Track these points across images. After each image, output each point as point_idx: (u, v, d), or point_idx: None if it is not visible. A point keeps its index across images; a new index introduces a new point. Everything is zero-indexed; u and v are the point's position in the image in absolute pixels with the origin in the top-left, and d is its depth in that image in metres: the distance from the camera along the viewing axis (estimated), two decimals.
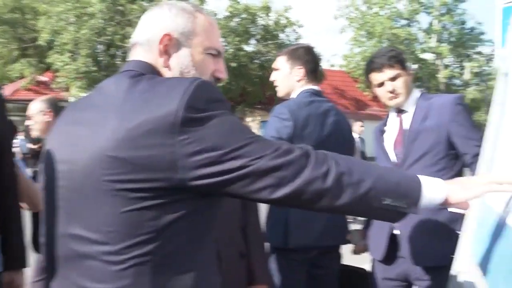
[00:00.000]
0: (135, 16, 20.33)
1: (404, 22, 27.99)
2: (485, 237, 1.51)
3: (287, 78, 2.48)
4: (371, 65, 2.40)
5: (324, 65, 25.49)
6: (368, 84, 2.52)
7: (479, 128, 2.21)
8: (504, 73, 1.63)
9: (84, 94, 20.80)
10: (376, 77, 2.38)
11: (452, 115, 2.23)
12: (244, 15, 22.89)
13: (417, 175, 1.16)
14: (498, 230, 1.34)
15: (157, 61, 1.24)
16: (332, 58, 42.11)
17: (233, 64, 21.80)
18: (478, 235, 1.63)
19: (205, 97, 1.08)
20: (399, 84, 2.34)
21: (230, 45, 21.91)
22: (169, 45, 1.23)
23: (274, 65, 2.55)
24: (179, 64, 1.24)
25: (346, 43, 28.51)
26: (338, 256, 2.55)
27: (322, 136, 2.36)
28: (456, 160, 2.26)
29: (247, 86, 22.10)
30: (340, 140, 2.45)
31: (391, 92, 2.34)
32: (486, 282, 1.36)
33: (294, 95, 2.46)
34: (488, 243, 1.46)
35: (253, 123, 23.98)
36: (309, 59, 2.47)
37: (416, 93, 2.41)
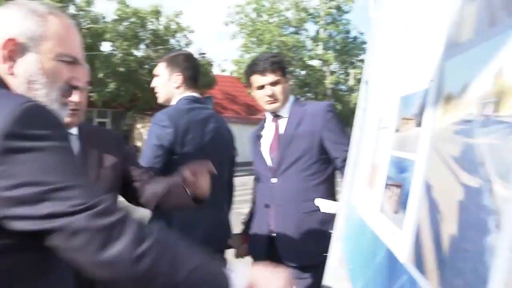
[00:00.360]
0: None
1: (292, 29, 29.10)
2: (351, 234, 1.63)
3: (166, 84, 2.46)
4: (254, 67, 2.46)
5: (215, 70, 25.62)
6: (249, 85, 2.58)
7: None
8: (365, 81, 1.76)
9: None
10: (257, 80, 2.44)
11: (324, 121, 2.36)
12: (133, 19, 22.28)
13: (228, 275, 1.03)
14: (359, 227, 1.44)
15: (1, 68, 1.11)
16: (223, 64, 42.45)
17: (122, 69, 21.15)
18: (345, 233, 1.74)
19: (32, 124, 0.94)
20: (279, 90, 2.42)
21: (118, 50, 21.26)
22: (14, 51, 1.11)
23: (154, 71, 2.53)
24: (26, 71, 1.12)
25: (237, 49, 28.90)
26: (223, 261, 2.56)
27: (202, 143, 2.37)
28: (328, 164, 2.38)
29: (137, 91, 21.54)
30: (220, 147, 2.47)
31: (270, 96, 2.41)
32: (349, 275, 1.46)
33: (174, 101, 2.45)
34: (352, 240, 1.57)
35: (144, 129, 23.49)
36: (187, 66, 2.47)
37: (291, 99, 2.51)
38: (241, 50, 29.11)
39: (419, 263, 0.83)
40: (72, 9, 21.06)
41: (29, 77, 1.12)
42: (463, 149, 0.71)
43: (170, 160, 2.28)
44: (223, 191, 2.52)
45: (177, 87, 2.45)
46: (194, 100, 2.45)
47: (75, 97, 1.67)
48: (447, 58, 0.87)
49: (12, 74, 1.11)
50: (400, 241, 0.95)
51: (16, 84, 1.11)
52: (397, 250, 0.97)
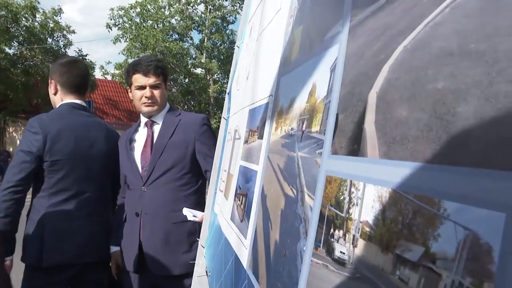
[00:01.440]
0: None
1: (177, 37, 28.93)
2: (211, 242, 1.66)
3: (50, 91, 2.43)
4: (137, 67, 2.39)
5: (97, 74, 24.64)
6: (128, 85, 2.49)
7: None
8: (228, 92, 1.81)
9: None
10: (139, 80, 2.38)
11: (197, 134, 2.35)
12: (3, 12, 20.71)
13: None
14: (217, 235, 1.48)
15: None
16: (106, 67, 41.06)
17: None
18: (208, 240, 1.77)
19: None
20: (158, 94, 2.38)
21: None
22: None
23: None
24: None
25: (120, 53, 28.01)
26: (105, 269, 2.47)
27: (77, 151, 2.29)
28: (199, 176, 2.38)
29: (9, 92, 20.03)
30: (98, 156, 2.40)
31: (149, 98, 2.37)
32: (208, 280, 1.49)
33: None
34: (212, 247, 1.60)
35: (16, 133, 21.89)
36: (63, 72, 2.40)
37: (167, 107, 2.49)
38: (124, 54, 28.32)
39: (255, 268, 0.87)
40: None
41: None
42: (286, 161, 0.77)
43: (39, 167, 2.21)
44: (101, 202, 2.45)
45: (54, 94, 2.42)
46: (75, 106, 2.39)
47: None
48: (282, 74, 0.93)
49: None
50: (243, 248, 1.00)
51: None
52: (241, 256, 1.01)
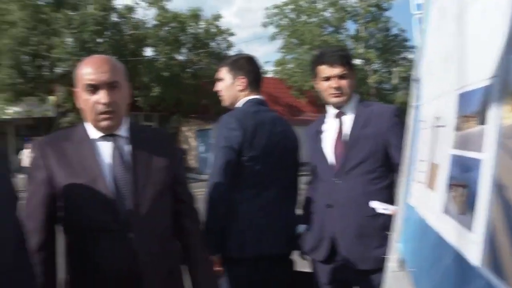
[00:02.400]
0: (60, 25, 19.52)
1: (332, 29, 28.79)
2: (411, 236, 1.58)
3: (230, 88, 2.50)
4: (323, 58, 2.40)
5: None
6: (314, 76, 2.51)
7: None
8: (415, 78, 1.71)
9: (12, 107, 19.30)
10: (325, 71, 2.38)
11: (390, 125, 2.29)
12: (173, 24, 22.68)
13: None
14: (420, 229, 1.41)
15: None
16: (265, 65, 42.58)
17: (166, 74, 21.55)
18: (404, 234, 1.70)
19: None
20: (345, 84, 2.36)
21: (161, 55, 21.69)
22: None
23: (217, 76, 2.56)
24: None
25: (277, 50, 28.84)
26: (291, 262, 2.55)
27: (270, 146, 2.37)
28: (391, 169, 2.31)
29: (181, 95, 21.90)
30: (286, 150, 2.46)
31: (336, 89, 2.35)
32: (411, 278, 1.42)
33: (239, 104, 2.47)
34: (413, 241, 1.53)
35: (189, 132, 23.79)
36: (250, 69, 2.50)
37: (356, 98, 2.44)
38: (282, 52, 29.05)
39: (496, 266, 0.79)
40: (114, 17, 21.66)
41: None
42: None
43: (239, 162, 2.30)
44: (292, 194, 2.52)
45: (241, 90, 2.49)
46: (259, 102, 2.48)
47: (104, 97, 1.72)
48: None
49: None
50: (470, 244, 0.92)
51: None
52: (468, 253, 0.93)
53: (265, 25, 29.26)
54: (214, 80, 2.62)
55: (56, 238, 1.82)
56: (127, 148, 1.83)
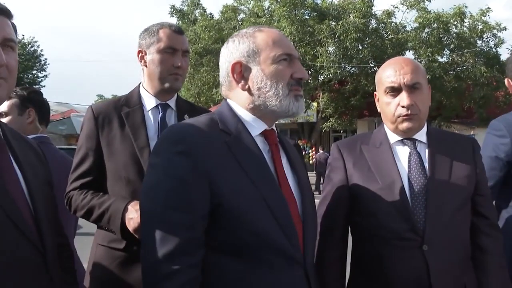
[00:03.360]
0: (324, 35, 20.72)
1: None
2: None
3: None
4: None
5: None
6: None
7: None
8: None
9: None
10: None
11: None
12: (435, 25, 21.64)
13: None
14: None
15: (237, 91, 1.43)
16: None
17: (427, 77, 20.77)
18: None
19: None
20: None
21: (422, 57, 20.91)
22: (242, 71, 1.41)
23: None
24: (255, 83, 1.39)
25: None
26: None
27: None
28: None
29: (443, 99, 20.78)
30: None
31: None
32: None
33: None
34: None
35: None
36: None
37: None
38: None
39: None
40: (373, 23, 21.92)
41: (259, 86, 1.40)
42: None
43: (508, 175, 2.02)
44: None
45: None
46: None
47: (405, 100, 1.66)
48: None
49: (245, 89, 1.41)
50: None
51: (248, 95, 1.41)
52: None
53: None
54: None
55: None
56: (425, 153, 1.75)
